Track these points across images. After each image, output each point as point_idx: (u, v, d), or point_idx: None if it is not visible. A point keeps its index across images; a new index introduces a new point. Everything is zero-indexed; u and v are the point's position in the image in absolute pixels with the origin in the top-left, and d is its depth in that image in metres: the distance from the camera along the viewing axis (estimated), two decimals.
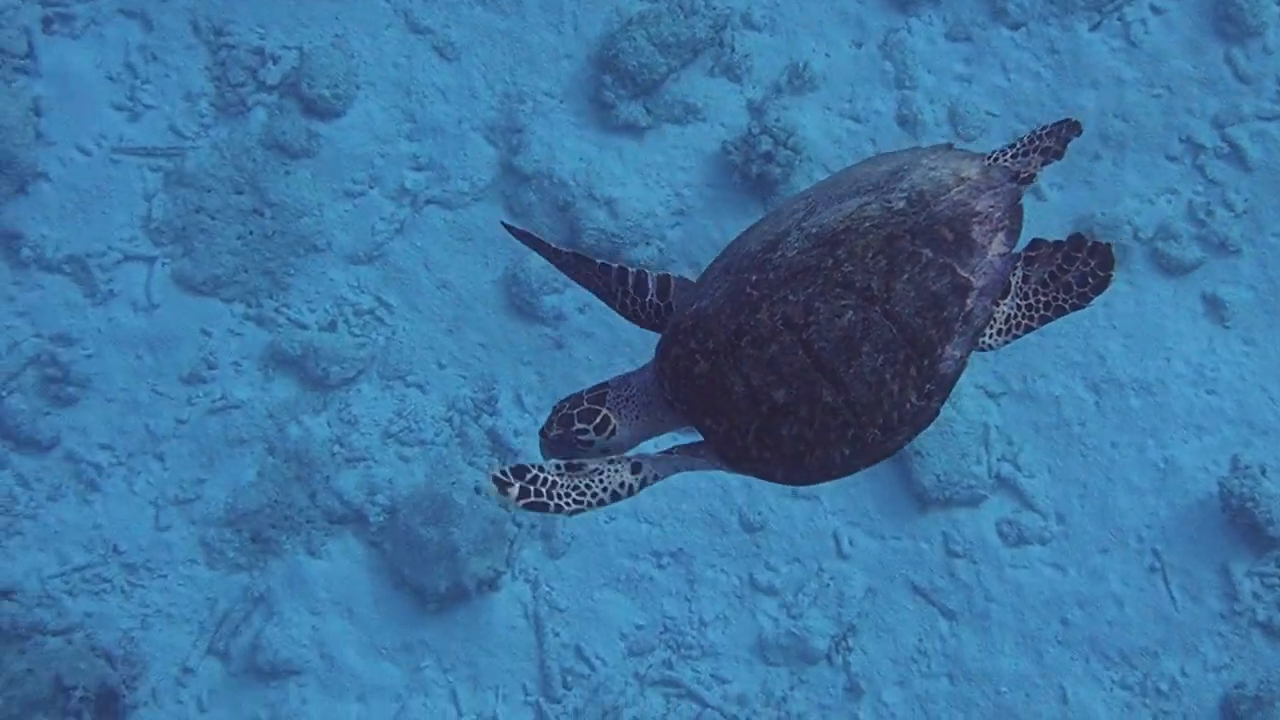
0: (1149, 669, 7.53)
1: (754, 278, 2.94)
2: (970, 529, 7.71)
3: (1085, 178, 7.78)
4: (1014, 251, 3.00)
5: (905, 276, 2.88)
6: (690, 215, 7.92)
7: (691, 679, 7.77)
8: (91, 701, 7.62)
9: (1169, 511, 7.59)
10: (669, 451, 3.20)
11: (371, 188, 8.05)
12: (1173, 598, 7.56)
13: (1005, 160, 3.23)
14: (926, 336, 2.89)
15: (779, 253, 2.95)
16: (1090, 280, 3.08)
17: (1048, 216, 7.77)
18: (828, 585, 7.76)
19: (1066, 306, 3.11)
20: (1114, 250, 3.07)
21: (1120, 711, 7.51)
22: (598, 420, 3.17)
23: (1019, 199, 3.04)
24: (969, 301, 2.91)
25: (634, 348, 7.88)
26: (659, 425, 3.23)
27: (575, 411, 3.19)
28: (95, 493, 7.89)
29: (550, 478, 3.06)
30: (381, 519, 7.82)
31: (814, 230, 2.96)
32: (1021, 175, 3.17)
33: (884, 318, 2.87)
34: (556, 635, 7.81)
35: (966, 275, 2.91)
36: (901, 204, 2.96)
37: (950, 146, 3.20)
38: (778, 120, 7.75)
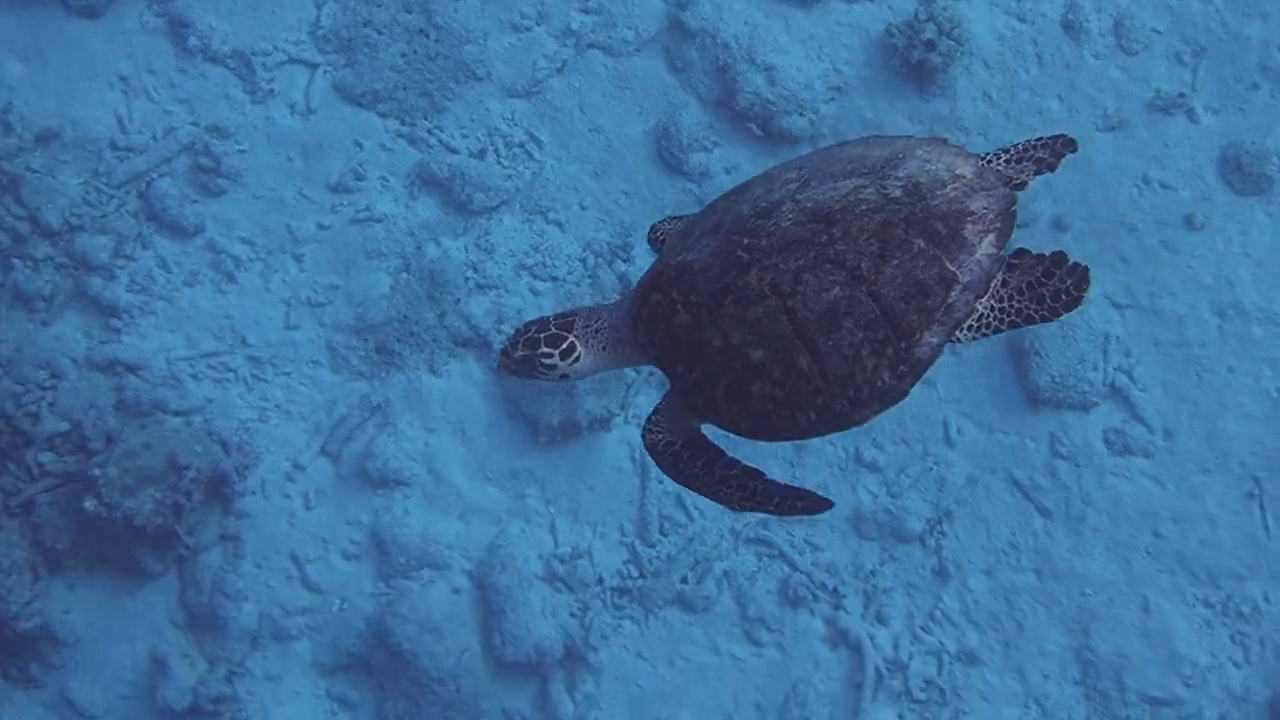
0: (1233, 591, 7.70)
1: (746, 241, 3.05)
2: (1077, 433, 7.86)
3: (1240, 105, 7.89)
4: (1001, 254, 3.11)
5: (895, 262, 2.99)
6: (846, 93, 8.04)
7: (785, 542, 7.95)
8: (202, 483, 7.80)
9: (1275, 441, 7.74)
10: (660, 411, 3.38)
11: (538, 24, 8.17)
12: (1266, 526, 7.72)
13: (999, 164, 3.33)
14: (908, 321, 3.00)
15: (773, 221, 3.05)
16: (1064, 297, 3.18)
17: (1199, 139, 7.89)
18: (930, 469, 7.93)
19: (1036, 317, 3.21)
20: (1089, 273, 3.18)
21: (1199, 628, 7.69)
22: (564, 346, 3.35)
23: (1013, 204, 3.14)
24: (953, 294, 3.02)
25: None
26: (622, 360, 3.40)
27: (542, 335, 3.36)
28: (231, 284, 8.05)
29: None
30: (505, 347, 7.96)
31: (809, 205, 3.05)
32: (1014, 181, 3.27)
33: (869, 297, 2.98)
34: (660, 482, 7.98)
35: (954, 269, 3.02)
36: (898, 192, 3.05)
37: (945, 141, 3.28)
38: (945, 10, 7.85)
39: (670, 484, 7.98)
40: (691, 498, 7.97)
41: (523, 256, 8.09)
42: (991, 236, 3.06)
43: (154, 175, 8.01)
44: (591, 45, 8.16)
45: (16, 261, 7.95)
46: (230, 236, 8.06)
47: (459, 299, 8.02)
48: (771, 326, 3.01)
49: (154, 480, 7.75)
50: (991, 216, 3.08)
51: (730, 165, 8.07)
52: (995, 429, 7.93)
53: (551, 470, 7.98)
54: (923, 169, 3.11)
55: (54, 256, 7.98)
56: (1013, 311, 3.19)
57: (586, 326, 3.38)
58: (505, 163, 8.11)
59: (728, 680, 7.89)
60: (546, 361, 3.37)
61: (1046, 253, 3.24)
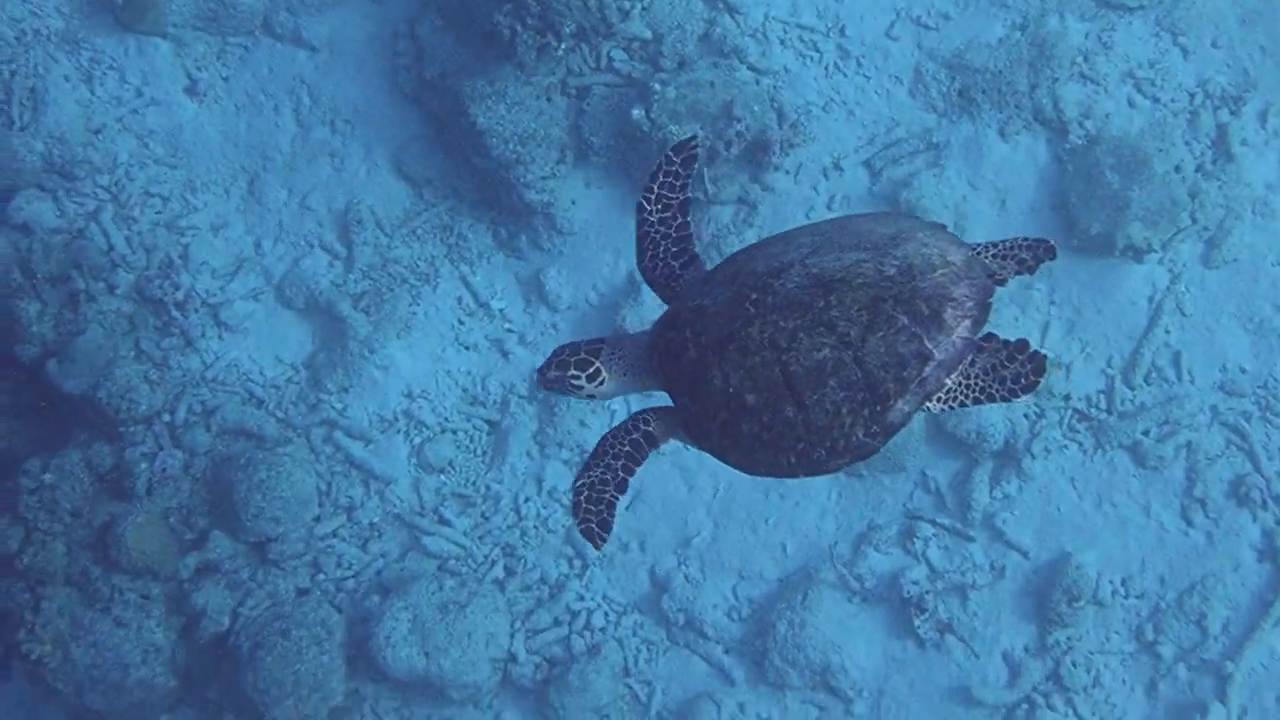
0: None
1: (754, 296, 3.45)
2: None
3: None
4: (973, 339, 3.46)
5: (880, 334, 3.36)
6: None
7: (1259, 442, 7.78)
8: (746, 141, 7.82)
9: None
10: (657, 412, 3.81)
11: None
12: None
13: (987, 257, 3.66)
14: (885, 388, 3.37)
15: (780, 280, 3.45)
16: (1022, 380, 3.51)
17: None
18: None
19: (996, 396, 3.54)
20: (1047, 361, 3.51)
21: None
22: (590, 370, 3.79)
23: (991, 295, 3.50)
24: (927, 369, 3.39)
25: None
26: (641, 385, 3.82)
27: (572, 359, 3.80)
28: None
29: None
30: (1079, 143, 7.85)
31: (814, 271, 3.45)
32: (996, 276, 3.62)
33: (854, 362, 3.36)
34: (1166, 333, 7.84)
35: (930, 347, 3.38)
36: (893, 271, 3.42)
37: (944, 228, 3.61)
38: None
39: (1176, 338, 7.84)
40: (1191, 360, 7.81)
41: (1135, 65, 7.93)
42: (968, 322, 3.42)
43: None
44: None
45: None
46: None
47: (1058, 78, 7.89)
48: (766, 376, 3.41)
49: (703, 118, 7.81)
50: (971, 304, 3.43)
51: None
52: None
53: (1069, 273, 7.88)
54: (919, 252, 3.46)
55: None
56: (976, 389, 3.53)
57: (612, 353, 3.81)
58: None
59: (1144, 543, 7.79)
60: (574, 382, 3.80)
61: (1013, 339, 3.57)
